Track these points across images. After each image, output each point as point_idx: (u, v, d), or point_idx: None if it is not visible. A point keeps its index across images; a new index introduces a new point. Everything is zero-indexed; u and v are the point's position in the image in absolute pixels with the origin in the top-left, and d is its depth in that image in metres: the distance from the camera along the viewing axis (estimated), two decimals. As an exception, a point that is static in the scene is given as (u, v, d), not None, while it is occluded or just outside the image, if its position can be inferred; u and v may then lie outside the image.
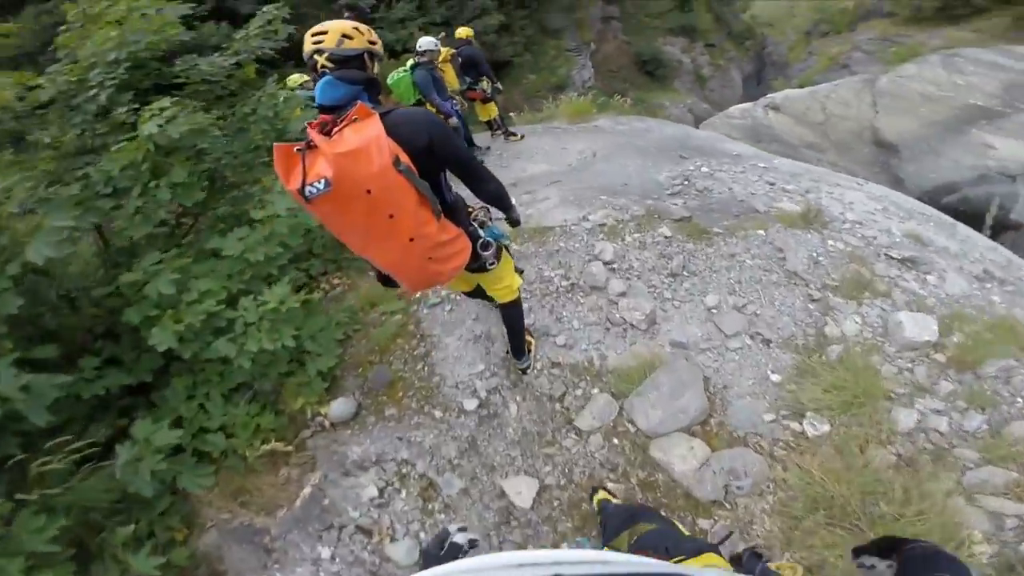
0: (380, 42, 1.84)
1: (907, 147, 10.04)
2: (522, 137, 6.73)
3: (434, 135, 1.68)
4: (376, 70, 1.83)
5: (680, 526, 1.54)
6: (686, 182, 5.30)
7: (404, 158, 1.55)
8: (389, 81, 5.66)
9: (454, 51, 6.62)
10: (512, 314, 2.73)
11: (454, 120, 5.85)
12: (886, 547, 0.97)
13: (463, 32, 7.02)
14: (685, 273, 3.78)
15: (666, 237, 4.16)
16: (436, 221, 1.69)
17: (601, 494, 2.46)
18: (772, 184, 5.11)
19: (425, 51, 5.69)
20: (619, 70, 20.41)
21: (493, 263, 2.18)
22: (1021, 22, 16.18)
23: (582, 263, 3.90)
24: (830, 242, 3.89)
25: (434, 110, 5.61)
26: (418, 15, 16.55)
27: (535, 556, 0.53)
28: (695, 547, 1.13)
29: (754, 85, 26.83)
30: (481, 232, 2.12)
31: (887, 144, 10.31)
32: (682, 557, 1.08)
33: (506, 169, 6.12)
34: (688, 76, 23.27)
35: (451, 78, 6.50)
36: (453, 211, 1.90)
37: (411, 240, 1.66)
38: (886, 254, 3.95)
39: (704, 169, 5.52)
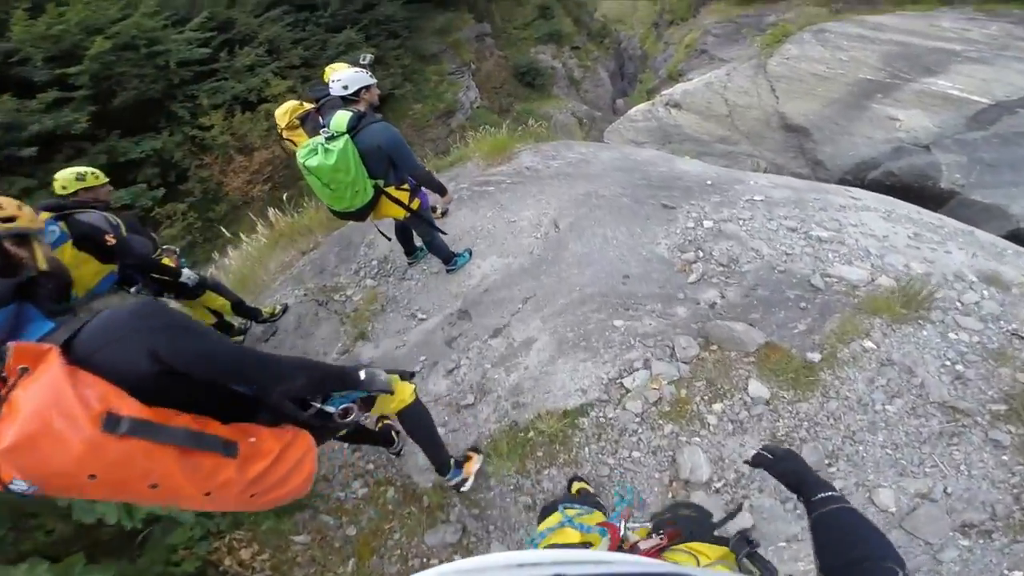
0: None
1: (817, 129, 9.34)
2: (443, 214, 4.57)
3: (160, 345, 1.07)
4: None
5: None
6: (700, 253, 3.58)
7: (128, 406, 1.00)
8: (308, 164, 2.82)
9: (314, 104, 3.76)
10: (414, 423, 2.19)
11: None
12: (793, 476, 0.91)
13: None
14: (827, 462, 2.27)
15: (766, 402, 2.44)
16: (232, 458, 1.12)
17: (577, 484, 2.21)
18: (795, 230, 3.67)
19: (356, 88, 3.05)
20: (502, 85, 18.76)
21: (366, 416, 1.76)
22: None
23: (661, 495, 2.24)
24: (952, 335, 2.77)
25: (414, 204, 3.34)
26: (270, 60, 13.55)
27: (535, 556, 0.48)
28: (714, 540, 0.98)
29: (619, 80, 26.61)
30: (330, 406, 1.44)
31: (797, 128, 9.56)
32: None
33: (441, 277, 3.98)
34: (563, 81, 22.24)
35: None
36: (271, 408, 1.28)
37: (207, 494, 1.11)
38: (1017, 334, 2.79)
39: (706, 224, 3.85)
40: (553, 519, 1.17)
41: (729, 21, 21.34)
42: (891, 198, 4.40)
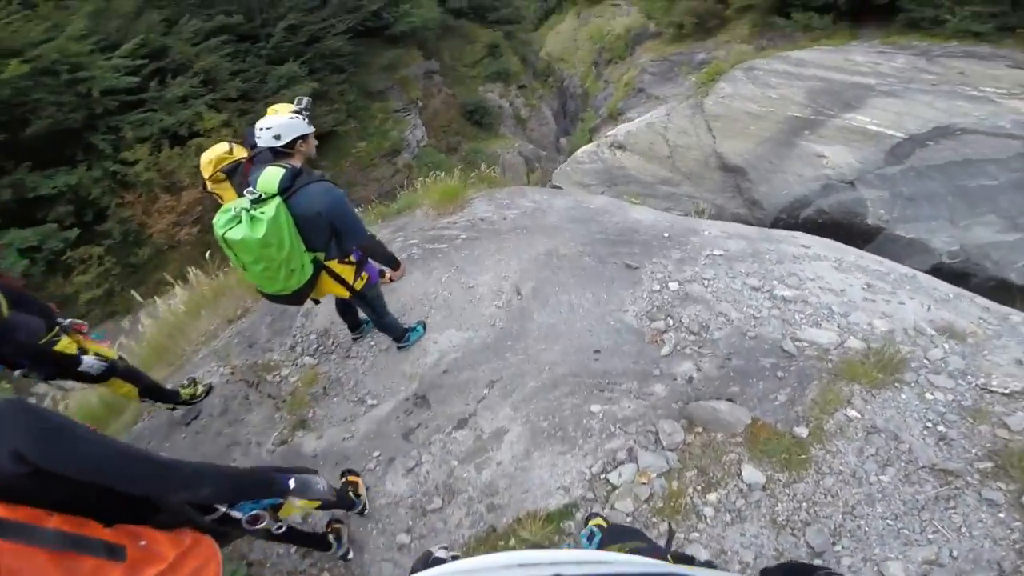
0: None
1: (752, 168, 9.64)
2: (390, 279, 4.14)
3: (26, 448, 1.00)
4: None
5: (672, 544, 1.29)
6: (669, 320, 3.40)
7: None
8: (229, 237, 2.25)
9: (249, 153, 3.13)
10: None
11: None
12: (798, 571, 0.93)
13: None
14: (832, 541, 2.23)
15: (762, 487, 2.44)
16: (119, 562, 1.04)
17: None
18: (758, 289, 3.55)
19: (291, 139, 2.47)
20: (449, 124, 18.63)
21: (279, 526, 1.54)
22: (756, 29, 17.77)
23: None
24: (928, 395, 2.70)
25: (359, 284, 2.83)
26: (205, 91, 12.66)
27: (535, 556, 0.49)
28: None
29: (562, 118, 27.33)
30: (237, 512, 1.34)
31: (733, 168, 9.86)
32: None
33: (392, 355, 3.52)
34: (510, 120, 22.52)
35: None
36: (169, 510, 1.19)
37: None
38: (986, 388, 2.74)
39: (671, 286, 3.67)
40: None
41: (663, 59, 22.38)
42: (837, 243, 4.39)
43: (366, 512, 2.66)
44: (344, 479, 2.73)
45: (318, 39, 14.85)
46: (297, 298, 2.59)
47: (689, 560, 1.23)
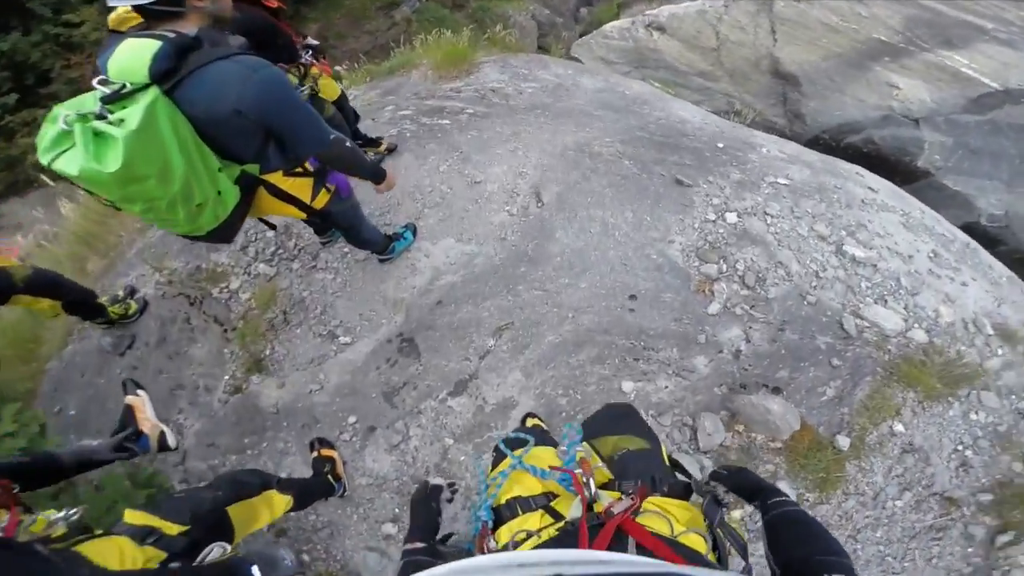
0: None
1: (809, 81, 8.10)
2: (388, 150, 3.08)
3: None
4: None
5: (664, 448, 1.13)
6: (723, 265, 2.64)
7: None
8: (64, 169, 1.16)
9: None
10: None
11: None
12: (748, 488, 0.92)
13: None
14: None
15: None
16: None
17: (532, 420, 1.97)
18: (825, 239, 2.78)
19: None
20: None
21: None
22: None
23: None
24: (973, 415, 2.39)
25: (319, 202, 1.79)
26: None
27: (535, 556, 0.48)
28: (678, 488, 0.94)
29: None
30: None
31: (787, 76, 8.36)
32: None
33: (372, 269, 2.61)
34: (525, -21, 18.70)
35: None
36: None
37: None
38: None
39: (729, 218, 2.81)
40: (504, 464, 1.01)
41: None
42: (900, 191, 3.48)
43: (346, 495, 2.09)
44: (316, 453, 2.08)
45: None
46: (222, 236, 1.58)
47: (681, 469, 1.09)
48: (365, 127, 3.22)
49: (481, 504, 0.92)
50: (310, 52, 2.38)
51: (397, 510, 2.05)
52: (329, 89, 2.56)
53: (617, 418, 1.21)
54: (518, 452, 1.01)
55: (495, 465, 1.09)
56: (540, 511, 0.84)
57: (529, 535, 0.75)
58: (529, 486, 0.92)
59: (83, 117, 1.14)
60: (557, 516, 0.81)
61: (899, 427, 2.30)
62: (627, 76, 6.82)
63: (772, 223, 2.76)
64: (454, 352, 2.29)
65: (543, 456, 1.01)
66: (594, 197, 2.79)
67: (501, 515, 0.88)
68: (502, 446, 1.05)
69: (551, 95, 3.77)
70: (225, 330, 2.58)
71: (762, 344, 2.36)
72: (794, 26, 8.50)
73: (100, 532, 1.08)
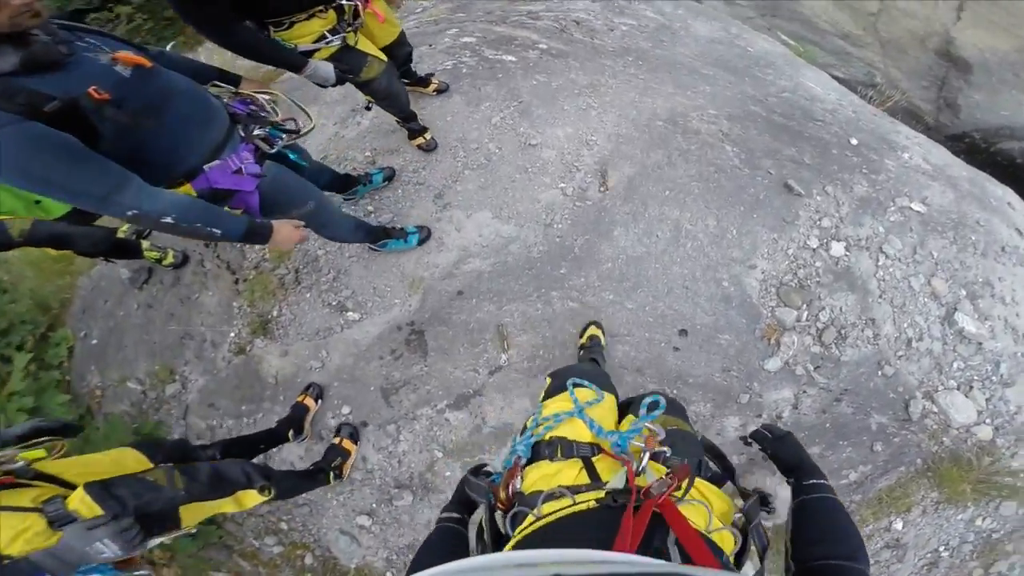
0: None
1: (985, 70, 6.24)
2: (436, 91, 2.45)
3: None
4: None
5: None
6: (804, 310, 2.07)
7: None
8: None
9: None
10: None
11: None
12: (786, 460, 0.87)
13: None
14: None
15: None
16: None
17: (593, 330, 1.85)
18: (938, 299, 2.09)
19: None
20: None
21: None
22: None
23: None
24: (978, 522, 2.02)
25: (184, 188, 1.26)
26: None
27: (535, 556, 0.46)
28: (718, 477, 0.93)
29: None
30: None
31: (958, 60, 6.44)
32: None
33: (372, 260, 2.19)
34: None
35: None
36: None
37: None
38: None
39: (835, 249, 2.13)
40: (562, 401, 0.94)
41: None
42: None
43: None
44: (338, 439, 1.93)
45: None
46: (82, 219, 1.31)
47: (719, 456, 0.97)
48: (419, 54, 2.62)
49: (524, 438, 0.87)
50: None
51: (374, 505, 1.90)
52: (380, 33, 1.89)
53: (670, 403, 1.08)
54: (584, 397, 0.93)
55: (549, 395, 1.01)
56: (580, 463, 0.80)
57: (563, 494, 0.70)
58: (579, 432, 0.87)
59: None
60: (594, 476, 0.78)
61: (898, 524, 2.00)
62: (752, 24, 5.48)
63: (884, 266, 2.06)
64: (463, 359, 1.93)
65: (606, 410, 0.95)
66: (674, 191, 2.14)
67: (539, 451, 0.84)
68: (570, 386, 0.95)
69: (651, 38, 2.93)
70: (236, 280, 2.33)
71: (809, 414, 1.87)
72: (990, 7, 6.43)
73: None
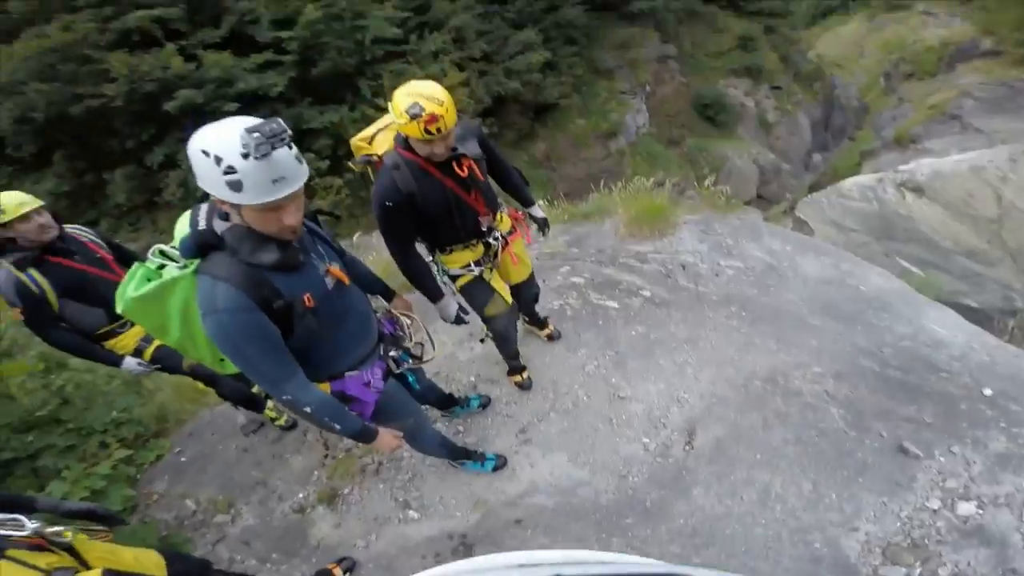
0: None
1: None
2: (548, 337, 2.72)
3: None
4: None
5: None
6: (916, 567, 1.72)
7: None
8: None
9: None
10: None
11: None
12: None
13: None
14: None
15: None
16: None
17: None
18: None
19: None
20: (676, 114, 15.92)
21: None
22: None
23: None
24: None
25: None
26: (454, 48, 12.81)
27: (536, 556, 0.49)
28: None
29: (822, 131, 21.62)
30: None
31: None
32: None
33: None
34: (751, 121, 18.41)
35: None
36: None
37: None
38: None
39: (962, 508, 1.85)
40: None
41: (1000, 84, 15.68)
42: None
43: None
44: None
45: (556, 8, 13.73)
46: None
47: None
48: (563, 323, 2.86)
49: None
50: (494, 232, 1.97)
51: None
52: (512, 272, 2.13)
53: None
54: None
55: None
56: None
57: None
58: None
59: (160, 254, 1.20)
60: None
61: None
62: (867, 251, 5.40)
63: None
64: None
65: None
66: (767, 454, 2.04)
67: None
68: None
69: (756, 283, 3.06)
70: (327, 456, 2.50)
71: None
72: None
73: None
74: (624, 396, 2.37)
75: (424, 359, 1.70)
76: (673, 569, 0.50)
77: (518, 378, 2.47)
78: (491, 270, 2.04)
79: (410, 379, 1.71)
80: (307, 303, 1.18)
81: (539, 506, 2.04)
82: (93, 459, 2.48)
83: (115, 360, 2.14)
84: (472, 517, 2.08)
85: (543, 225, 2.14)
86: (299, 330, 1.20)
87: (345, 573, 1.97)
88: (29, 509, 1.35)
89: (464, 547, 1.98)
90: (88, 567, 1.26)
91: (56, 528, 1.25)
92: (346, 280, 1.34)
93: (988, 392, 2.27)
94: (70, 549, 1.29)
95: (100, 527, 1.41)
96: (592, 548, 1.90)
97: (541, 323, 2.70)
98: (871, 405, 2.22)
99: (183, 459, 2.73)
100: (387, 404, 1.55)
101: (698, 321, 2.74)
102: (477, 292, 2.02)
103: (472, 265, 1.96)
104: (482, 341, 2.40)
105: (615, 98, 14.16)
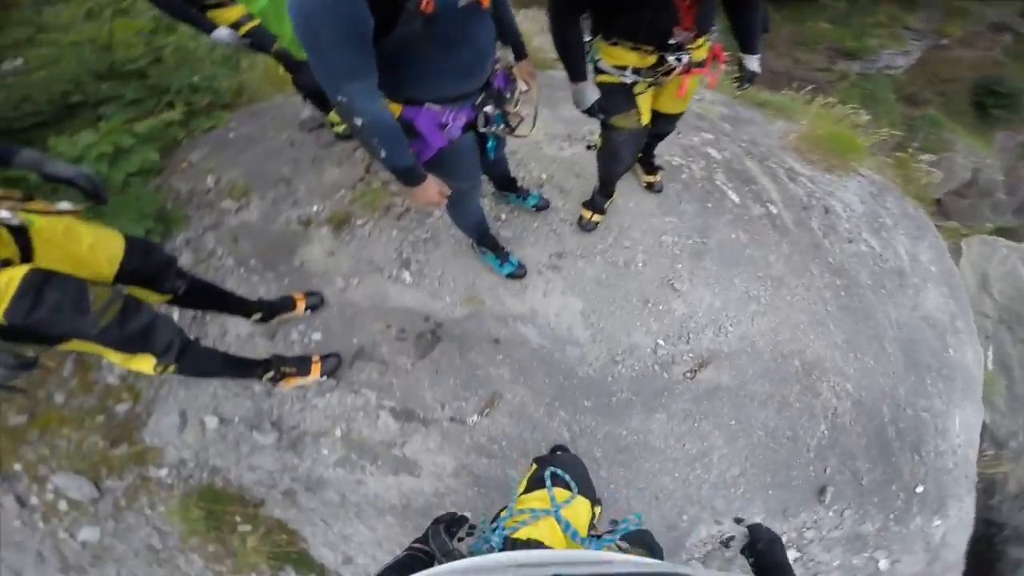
0: None
1: None
2: (650, 185, 2.28)
3: None
4: None
5: None
6: None
7: None
8: None
9: None
10: None
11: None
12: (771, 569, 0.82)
13: None
14: None
15: None
16: None
17: None
18: None
19: None
20: (946, 81, 11.86)
21: None
22: None
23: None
24: None
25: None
26: None
27: (535, 556, 0.47)
28: None
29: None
30: None
31: None
32: None
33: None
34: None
35: None
36: None
37: None
38: None
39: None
40: (540, 497, 0.93)
41: None
42: None
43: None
44: (314, 360, 1.81)
45: None
46: None
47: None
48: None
49: (497, 527, 0.84)
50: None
51: (241, 412, 1.72)
52: (666, 100, 1.70)
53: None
54: (561, 496, 0.93)
55: (530, 487, 0.99)
56: None
57: None
58: (553, 536, 0.85)
59: None
60: None
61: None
62: (992, 325, 4.19)
63: None
64: (442, 389, 1.80)
65: (581, 512, 0.94)
66: (739, 425, 1.81)
67: (512, 548, 0.81)
68: (547, 477, 0.95)
69: (877, 276, 2.40)
70: (362, 179, 2.39)
71: None
72: None
73: None
74: (677, 289, 1.99)
75: (517, 132, 1.40)
76: (673, 569, 0.44)
77: (588, 213, 2.11)
78: (647, 87, 1.60)
79: (490, 143, 1.43)
80: (424, 6, 0.95)
81: (523, 338, 1.89)
82: (149, 116, 2.45)
83: (210, 28, 1.98)
84: (458, 310, 1.96)
85: (748, 80, 1.67)
86: (400, 34, 0.99)
87: (307, 310, 1.93)
88: (3, 161, 1.15)
89: (432, 336, 1.91)
90: (31, 258, 1.09)
91: (5, 213, 1.06)
92: (484, 2, 1.06)
93: (920, 490, 1.94)
94: (22, 232, 1.10)
95: (71, 207, 1.21)
96: (539, 405, 1.77)
97: (652, 168, 2.25)
98: (846, 444, 1.89)
99: (231, 135, 2.71)
100: (451, 157, 1.30)
101: (798, 269, 2.20)
102: (617, 97, 1.61)
103: (628, 71, 1.53)
104: (589, 149, 1.99)
105: (893, 28, 10.67)
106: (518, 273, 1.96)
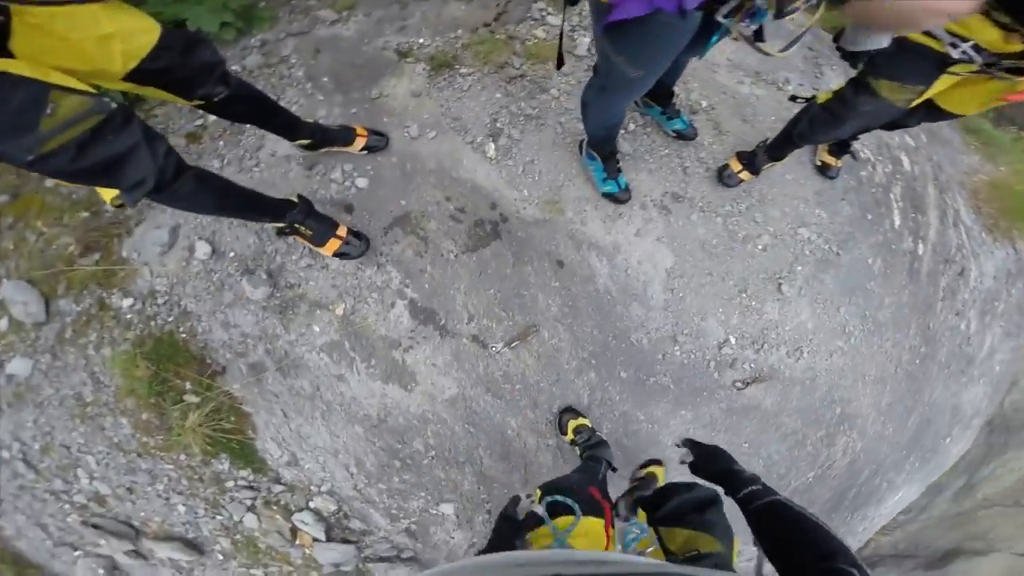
0: None
1: None
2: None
3: None
4: None
5: (736, 547, 0.94)
6: None
7: None
8: None
9: None
10: None
11: None
12: (716, 473, 0.84)
13: None
14: None
15: None
16: None
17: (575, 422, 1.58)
18: None
19: None
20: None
21: None
22: None
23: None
24: None
25: None
26: None
27: (535, 556, 0.46)
28: None
29: None
30: None
31: None
32: None
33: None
34: None
35: None
36: None
37: None
38: None
39: None
40: (543, 536, 0.85)
41: None
42: None
43: None
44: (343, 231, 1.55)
45: None
46: None
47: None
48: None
49: None
50: None
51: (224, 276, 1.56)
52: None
53: (700, 505, 0.95)
54: (562, 524, 0.83)
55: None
56: None
57: None
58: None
59: None
60: None
61: None
62: None
63: None
64: (482, 299, 1.58)
65: (592, 531, 0.83)
66: (751, 446, 1.59)
67: None
68: (541, 511, 0.85)
69: (977, 370, 2.15)
70: (497, 18, 1.96)
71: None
72: None
73: None
74: (782, 292, 1.72)
75: (754, 42, 0.96)
76: (672, 569, 0.41)
77: (739, 167, 1.72)
78: (971, 74, 1.11)
79: (715, 38, 1.03)
80: None
81: (591, 273, 1.66)
82: None
83: None
84: (532, 210, 1.69)
85: None
86: None
87: (363, 150, 1.63)
88: None
89: (489, 229, 1.66)
90: (4, 44, 0.77)
91: None
92: None
93: None
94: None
95: None
96: (571, 357, 1.59)
97: (844, 148, 1.85)
98: (815, 495, 1.95)
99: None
100: (644, 34, 0.95)
101: (901, 323, 1.93)
102: (916, 64, 1.14)
103: (967, 46, 1.03)
104: (794, 100, 1.50)
105: None
106: (621, 197, 1.64)
